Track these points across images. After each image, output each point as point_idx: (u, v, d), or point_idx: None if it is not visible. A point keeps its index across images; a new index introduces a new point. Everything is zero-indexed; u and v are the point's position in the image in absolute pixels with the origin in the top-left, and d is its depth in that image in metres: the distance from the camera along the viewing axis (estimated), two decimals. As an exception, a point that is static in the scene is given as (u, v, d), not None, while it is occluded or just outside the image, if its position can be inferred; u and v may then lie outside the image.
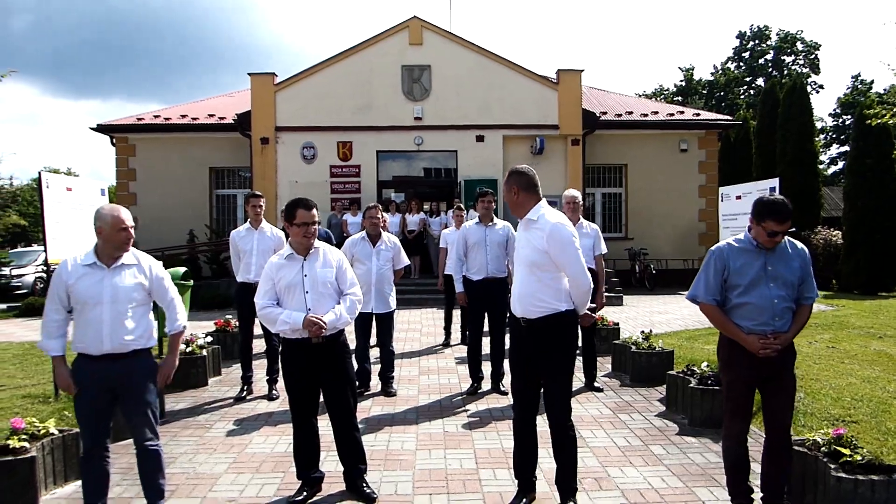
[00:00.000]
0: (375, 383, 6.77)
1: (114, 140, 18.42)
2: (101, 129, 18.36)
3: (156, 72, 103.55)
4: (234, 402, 6.41)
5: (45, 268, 17.13)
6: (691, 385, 5.56)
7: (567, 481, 3.82)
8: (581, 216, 6.69)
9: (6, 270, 19.37)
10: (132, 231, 3.62)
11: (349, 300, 4.08)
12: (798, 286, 3.54)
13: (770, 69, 47.20)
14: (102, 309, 3.48)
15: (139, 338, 3.59)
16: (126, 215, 3.61)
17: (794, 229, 3.53)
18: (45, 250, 6.57)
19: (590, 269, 6.26)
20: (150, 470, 3.64)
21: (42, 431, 4.24)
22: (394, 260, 6.71)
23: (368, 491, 4.10)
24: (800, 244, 3.63)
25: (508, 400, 6.25)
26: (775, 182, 6.13)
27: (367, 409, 6.05)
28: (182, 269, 9.13)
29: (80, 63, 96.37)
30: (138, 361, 3.59)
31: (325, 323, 3.88)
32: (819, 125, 44.06)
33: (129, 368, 3.55)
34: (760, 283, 3.50)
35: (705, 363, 5.87)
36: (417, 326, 10.86)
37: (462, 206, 9.78)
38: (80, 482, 4.04)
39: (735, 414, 3.65)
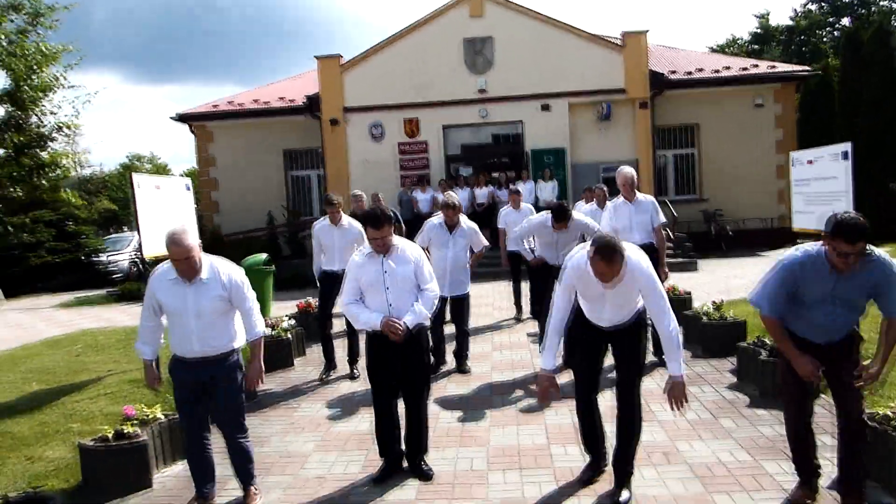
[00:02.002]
0: (450, 360, 7.03)
1: (192, 128, 19.27)
2: (180, 118, 19.20)
3: (227, 54, 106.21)
4: (318, 382, 6.82)
5: (139, 255, 18.26)
6: (762, 357, 5.58)
7: (623, 464, 3.98)
8: (637, 190, 6.70)
9: (103, 257, 20.68)
10: (187, 262, 3.70)
11: (426, 296, 4.33)
12: (878, 298, 3.40)
13: (856, 6, 44.25)
14: (189, 321, 3.83)
15: (227, 343, 3.95)
16: (180, 247, 3.66)
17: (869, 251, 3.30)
18: (140, 245, 7.10)
19: (650, 244, 6.30)
20: (241, 462, 4.07)
21: (150, 417, 4.70)
22: (472, 243, 6.92)
23: (426, 468, 4.40)
24: (878, 252, 3.37)
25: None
26: (847, 146, 5.97)
27: (443, 387, 6.35)
28: (263, 256, 9.69)
29: (157, 50, 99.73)
30: (226, 362, 3.96)
31: (401, 328, 4.13)
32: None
33: (217, 369, 3.93)
34: (825, 303, 3.41)
35: (776, 335, 5.85)
36: (489, 301, 11.08)
37: (518, 189, 9.77)
38: (186, 461, 4.50)
39: (790, 401, 3.73)
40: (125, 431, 4.43)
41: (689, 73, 17.88)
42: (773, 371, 5.43)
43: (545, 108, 16.69)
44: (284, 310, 10.39)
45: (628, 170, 6.69)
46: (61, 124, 9.05)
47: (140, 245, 7.11)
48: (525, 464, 4.52)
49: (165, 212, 7.51)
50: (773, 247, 16.24)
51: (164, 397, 6.20)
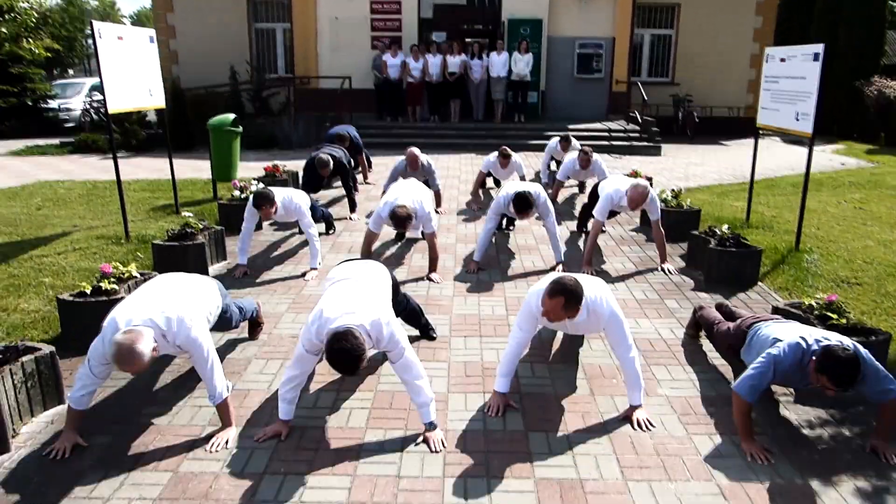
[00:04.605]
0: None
1: (149, -31, 18.02)
2: (135, -43, 17.90)
3: None
4: (295, 243, 7.00)
5: (93, 104, 17.55)
6: (710, 246, 5.92)
7: None
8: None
9: (53, 104, 19.72)
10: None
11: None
12: (860, 388, 3.28)
13: None
14: None
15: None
16: (131, 367, 3.19)
17: None
18: (105, 99, 6.86)
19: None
20: None
21: (126, 275, 4.84)
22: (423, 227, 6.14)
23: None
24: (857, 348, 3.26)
25: (541, 253, 6.75)
26: (820, 47, 6.04)
27: (409, 258, 6.60)
28: (231, 116, 9.51)
29: None
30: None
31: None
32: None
33: None
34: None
35: (726, 226, 6.18)
36: (456, 173, 11.18)
37: (508, 152, 8.55)
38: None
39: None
40: (103, 288, 4.57)
41: (675, -52, 17.25)
42: (719, 260, 5.82)
43: (525, -25, 16.01)
44: (251, 171, 10.40)
45: (643, 185, 6.06)
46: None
47: (104, 99, 6.87)
48: (485, 332, 4.86)
49: (129, 64, 7.28)
50: (736, 137, 16.53)
51: (136, 254, 6.36)
